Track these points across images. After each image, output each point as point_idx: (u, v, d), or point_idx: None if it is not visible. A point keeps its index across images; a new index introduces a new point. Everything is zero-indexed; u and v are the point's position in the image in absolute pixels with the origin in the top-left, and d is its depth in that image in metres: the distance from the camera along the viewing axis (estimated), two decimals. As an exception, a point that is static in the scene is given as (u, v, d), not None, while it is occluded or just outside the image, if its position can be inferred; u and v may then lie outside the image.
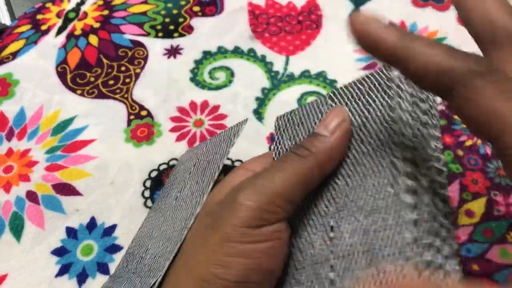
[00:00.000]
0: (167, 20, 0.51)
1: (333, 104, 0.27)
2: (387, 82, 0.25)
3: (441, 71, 0.18)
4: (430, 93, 0.25)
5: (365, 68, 0.45)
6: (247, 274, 0.23)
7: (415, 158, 0.23)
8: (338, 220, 0.24)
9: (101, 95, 0.45)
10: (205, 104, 0.44)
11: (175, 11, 0.52)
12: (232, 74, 0.46)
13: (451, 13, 0.49)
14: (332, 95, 0.28)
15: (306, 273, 0.24)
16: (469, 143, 0.39)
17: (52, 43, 0.50)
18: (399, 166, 0.22)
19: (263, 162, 0.29)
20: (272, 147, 0.28)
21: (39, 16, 0.52)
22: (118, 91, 0.45)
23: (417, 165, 0.23)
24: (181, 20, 0.51)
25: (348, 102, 0.27)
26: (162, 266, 0.26)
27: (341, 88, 0.28)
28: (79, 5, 0.53)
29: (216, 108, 0.43)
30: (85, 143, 0.42)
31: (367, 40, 0.21)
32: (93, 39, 0.49)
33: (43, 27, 0.51)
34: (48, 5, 0.54)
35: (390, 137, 0.24)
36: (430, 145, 0.23)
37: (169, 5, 0.52)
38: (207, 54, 0.48)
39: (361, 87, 0.27)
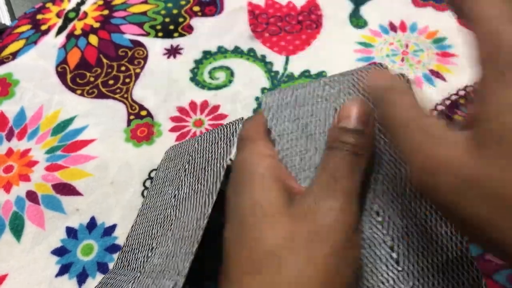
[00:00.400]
0: (167, 20, 0.51)
1: (331, 90, 0.28)
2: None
3: None
4: None
5: (365, 68, 0.45)
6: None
7: None
8: (380, 204, 0.26)
9: (101, 95, 0.45)
10: (205, 104, 0.44)
11: (175, 11, 0.52)
12: (232, 74, 0.46)
13: (451, 13, 0.49)
14: (328, 81, 0.28)
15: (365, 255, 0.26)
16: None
17: (52, 43, 0.50)
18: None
19: (265, 135, 0.27)
20: (269, 126, 0.28)
21: (39, 16, 0.52)
22: (118, 91, 0.45)
23: None
24: (181, 20, 0.51)
25: (350, 89, 0.28)
26: (182, 267, 0.26)
27: (337, 75, 0.29)
28: (79, 5, 0.53)
29: (216, 108, 0.43)
30: (85, 143, 0.42)
31: None
32: (93, 39, 0.49)
33: (43, 27, 0.51)
34: (48, 5, 0.54)
35: None
36: None
37: (169, 5, 0.52)
38: (207, 54, 0.48)
39: (359, 76, 0.28)
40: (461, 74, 0.44)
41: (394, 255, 0.26)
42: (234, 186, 0.25)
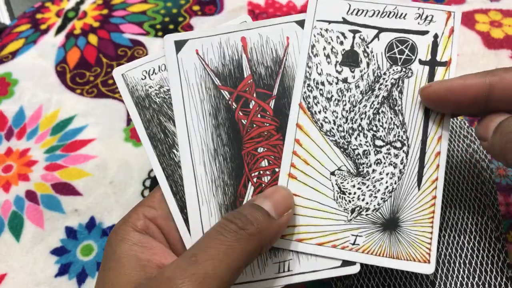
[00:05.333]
0: (166, 19, 0.51)
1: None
2: None
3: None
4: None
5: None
6: None
7: None
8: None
9: (101, 95, 0.45)
10: (204, 103, 0.44)
11: (174, 10, 0.52)
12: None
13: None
14: None
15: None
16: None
17: (51, 42, 0.49)
18: None
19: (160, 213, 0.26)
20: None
21: (38, 16, 0.52)
22: (117, 90, 0.45)
23: None
24: (180, 19, 0.51)
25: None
26: None
27: None
28: (78, 4, 0.53)
29: (215, 107, 0.43)
30: (84, 142, 0.41)
31: (451, 95, 0.24)
32: (93, 38, 0.49)
33: (43, 27, 0.51)
34: (48, 4, 0.53)
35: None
36: None
37: (169, 4, 0.52)
38: (206, 54, 0.47)
39: None
40: None
41: None
42: (99, 271, 0.25)
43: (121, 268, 0.24)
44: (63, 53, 0.48)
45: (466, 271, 0.30)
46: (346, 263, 0.26)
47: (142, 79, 0.29)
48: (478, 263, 0.30)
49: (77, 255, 0.35)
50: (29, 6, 0.54)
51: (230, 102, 0.28)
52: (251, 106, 0.28)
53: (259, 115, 0.28)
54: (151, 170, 0.39)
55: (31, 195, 0.39)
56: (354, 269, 0.26)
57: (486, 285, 0.30)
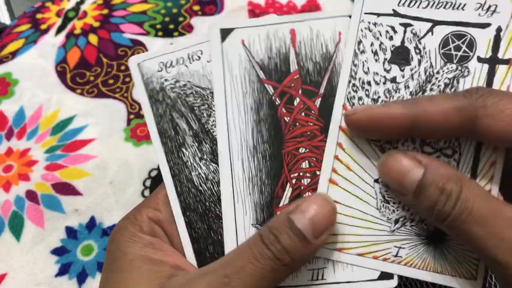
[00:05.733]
0: (166, 19, 0.51)
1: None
2: None
3: (455, 113, 0.22)
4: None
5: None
6: None
7: None
8: None
9: (101, 94, 0.45)
10: (205, 103, 0.44)
11: (174, 10, 0.52)
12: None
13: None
14: None
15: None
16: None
17: (51, 42, 0.49)
18: None
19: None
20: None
21: (38, 15, 0.52)
22: (117, 90, 0.45)
23: None
24: (181, 19, 0.51)
25: None
26: None
27: None
28: (78, 4, 0.53)
29: (216, 107, 0.43)
30: (84, 142, 0.41)
31: (374, 124, 0.23)
32: (93, 38, 0.49)
33: (43, 26, 0.51)
34: (48, 4, 0.53)
35: None
36: None
37: (169, 4, 0.52)
38: (207, 53, 0.47)
39: None
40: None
41: None
42: (105, 271, 0.25)
43: (136, 270, 0.23)
44: (63, 53, 0.48)
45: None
46: (383, 276, 0.25)
47: (158, 71, 0.28)
48: None
49: (77, 255, 0.35)
50: (29, 6, 0.54)
51: (273, 97, 0.27)
52: (295, 103, 0.27)
53: (303, 114, 0.27)
54: (152, 170, 0.39)
55: (31, 195, 0.39)
56: (392, 283, 0.25)
57: None
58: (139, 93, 0.28)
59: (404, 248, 0.25)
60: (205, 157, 0.27)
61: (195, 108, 0.27)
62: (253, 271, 0.21)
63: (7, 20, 0.53)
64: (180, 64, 0.28)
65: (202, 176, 0.27)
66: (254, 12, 0.51)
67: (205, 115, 0.27)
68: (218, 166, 0.26)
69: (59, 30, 0.51)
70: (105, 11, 0.52)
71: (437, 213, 0.22)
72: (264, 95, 0.27)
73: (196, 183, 0.27)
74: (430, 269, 0.25)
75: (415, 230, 0.25)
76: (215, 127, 0.27)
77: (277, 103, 0.27)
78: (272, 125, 0.26)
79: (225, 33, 0.27)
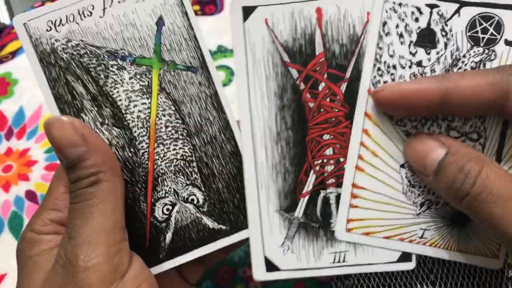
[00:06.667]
0: (166, 19, 0.51)
1: None
2: None
3: (487, 87, 0.22)
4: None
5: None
6: None
7: None
8: None
9: (101, 94, 0.45)
10: (205, 103, 0.44)
11: (174, 10, 0.51)
12: (232, 73, 0.46)
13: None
14: None
15: None
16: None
17: (51, 42, 0.49)
18: None
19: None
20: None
21: (38, 15, 0.52)
22: (117, 90, 0.45)
23: None
24: (180, 19, 0.51)
25: None
26: None
27: None
28: (78, 4, 0.53)
29: (216, 107, 0.43)
30: (84, 142, 0.41)
31: (404, 100, 0.23)
32: (93, 38, 0.49)
33: (43, 26, 0.51)
34: (48, 4, 0.53)
35: None
36: None
37: None
38: (207, 53, 0.47)
39: None
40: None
41: None
42: (17, 280, 0.25)
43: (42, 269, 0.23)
44: (63, 53, 0.48)
45: (467, 271, 0.30)
46: (402, 258, 0.25)
47: (47, 30, 0.25)
48: None
49: (77, 255, 0.35)
50: (29, 6, 0.54)
51: (298, 82, 0.26)
52: (320, 88, 0.25)
53: (328, 99, 0.26)
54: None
55: (31, 195, 0.39)
56: (410, 265, 0.25)
57: (487, 285, 0.30)
58: (29, 57, 0.25)
59: (429, 230, 0.25)
60: (106, 121, 0.25)
61: (91, 69, 0.25)
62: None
63: (7, 20, 0.53)
64: (70, 21, 0.25)
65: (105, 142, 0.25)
66: (254, 12, 0.51)
67: (102, 76, 0.25)
68: (121, 130, 0.25)
69: (58, 30, 0.51)
70: (105, 11, 0.52)
71: (455, 192, 0.22)
72: (288, 79, 0.26)
73: None
74: (454, 249, 0.25)
75: (440, 212, 0.26)
76: (114, 89, 0.26)
77: (301, 88, 0.26)
78: (296, 111, 0.26)
79: (247, 11, 0.25)
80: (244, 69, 0.25)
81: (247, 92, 0.26)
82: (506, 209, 0.21)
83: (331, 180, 0.26)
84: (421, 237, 0.25)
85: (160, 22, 0.26)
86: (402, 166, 0.25)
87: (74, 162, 0.23)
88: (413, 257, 0.26)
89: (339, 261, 0.26)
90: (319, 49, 0.26)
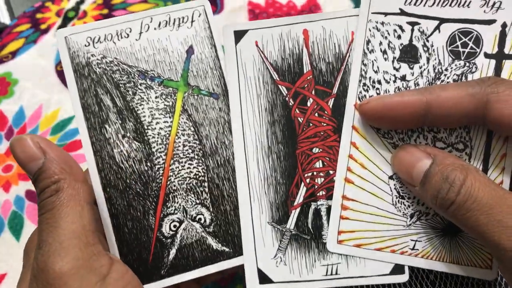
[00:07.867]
0: (166, 19, 0.51)
1: None
2: None
3: (467, 99, 0.22)
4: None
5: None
6: None
7: None
8: None
9: (101, 94, 0.45)
10: (204, 103, 0.44)
11: (174, 10, 0.51)
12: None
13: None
14: None
15: None
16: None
17: (51, 42, 0.49)
18: None
19: None
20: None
21: (38, 15, 0.52)
22: (117, 90, 0.45)
23: None
24: (180, 19, 0.51)
25: None
26: None
27: None
28: (78, 4, 0.53)
29: (215, 107, 0.43)
30: (84, 142, 0.41)
31: (388, 113, 0.24)
32: (93, 38, 0.49)
33: (43, 26, 0.51)
34: (48, 4, 0.53)
35: None
36: None
37: (169, 3, 0.52)
38: (206, 53, 0.47)
39: None
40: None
41: None
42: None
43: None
44: (63, 53, 0.48)
45: (460, 279, 0.30)
46: (395, 270, 0.25)
47: (85, 45, 0.28)
48: None
49: (77, 255, 0.35)
50: (29, 6, 0.54)
51: (287, 98, 0.27)
52: (308, 104, 0.27)
53: (316, 114, 0.27)
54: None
55: (31, 195, 0.39)
56: (404, 278, 0.25)
57: (486, 285, 0.30)
58: (65, 67, 0.27)
59: (420, 241, 0.26)
60: (128, 134, 0.27)
61: (120, 85, 0.27)
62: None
63: (7, 20, 0.53)
64: (108, 40, 0.28)
65: (124, 154, 0.27)
66: (254, 12, 0.51)
67: (130, 92, 0.27)
68: (141, 144, 0.27)
69: (59, 30, 0.51)
70: (105, 11, 0.52)
71: (440, 201, 0.22)
72: (277, 96, 0.27)
73: (117, 160, 0.27)
74: (446, 260, 0.25)
75: (431, 223, 0.26)
76: (139, 105, 0.27)
77: (290, 104, 0.27)
78: (286, 126, 0.27)
79: (239, 34, 0.27)
80: (237, 87, 0.27)
81: (239, 108, 0.27)
82: (491, 217, 0.21)
83: (322, 192, 0.26)
84: (413, 249, 0.26)
85: (190, 51, 0.28)
86: (390, 177, 0.26)
87: (36, 175, 0.24)
88: (406, 269, 0.26)
89: (331, 274, 0.26)
90: (306, 67, 0.27)
